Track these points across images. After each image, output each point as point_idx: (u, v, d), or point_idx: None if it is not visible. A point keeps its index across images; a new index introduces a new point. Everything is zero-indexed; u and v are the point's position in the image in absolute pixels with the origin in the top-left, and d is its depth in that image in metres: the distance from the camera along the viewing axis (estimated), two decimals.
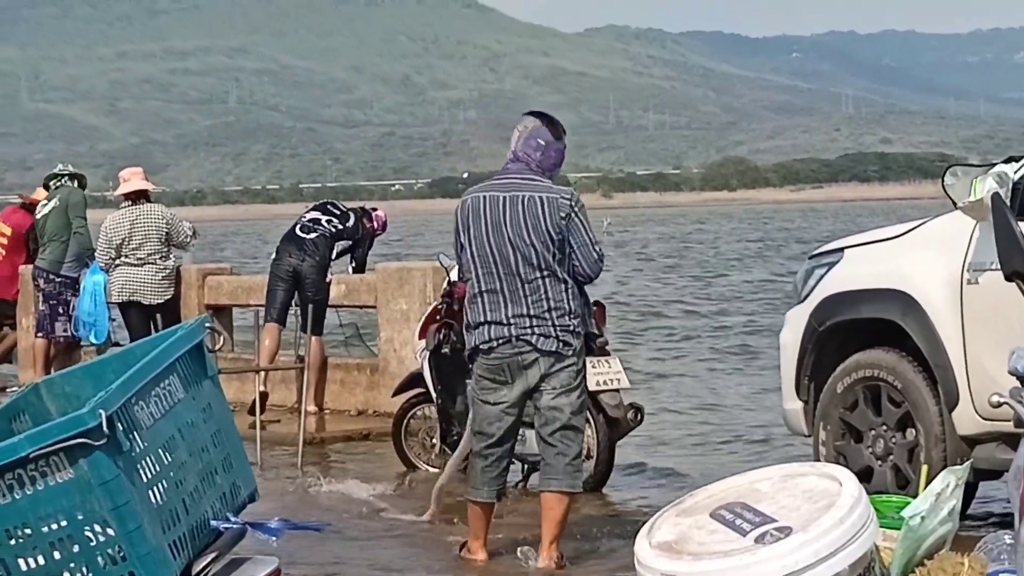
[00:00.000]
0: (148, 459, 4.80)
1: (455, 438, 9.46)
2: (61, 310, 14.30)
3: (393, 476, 10.05)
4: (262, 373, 12.04)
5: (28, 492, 4.64)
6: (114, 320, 13.93)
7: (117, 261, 13.30)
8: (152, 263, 13.28)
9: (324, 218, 12.64)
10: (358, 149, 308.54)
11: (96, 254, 13.62)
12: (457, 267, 9.04)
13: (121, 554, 4.66)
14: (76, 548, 4.68)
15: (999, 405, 7.24)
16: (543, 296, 7.22)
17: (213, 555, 5.01)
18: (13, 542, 4.69)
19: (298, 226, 12.59)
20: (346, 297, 12.78)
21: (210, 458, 5.13)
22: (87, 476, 4.61)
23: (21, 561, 4.69)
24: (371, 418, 12.33)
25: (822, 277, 8.29)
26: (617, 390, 9.28)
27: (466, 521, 7.69)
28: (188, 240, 13.66)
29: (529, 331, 7.22)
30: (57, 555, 4.68)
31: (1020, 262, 6.91)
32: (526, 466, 9.35)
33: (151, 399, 4.90)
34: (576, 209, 7.26)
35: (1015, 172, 7.48)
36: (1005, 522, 7.95)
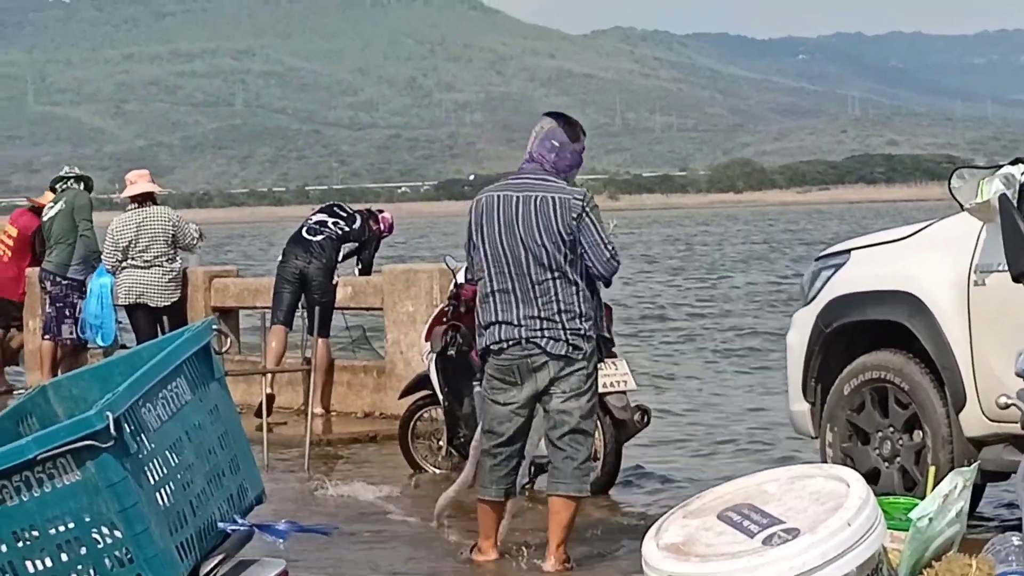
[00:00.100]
0: (155, 461, 4.80)
1: (462, 440, 9.47)
2: (68, 312, 14.31)
3: (400, 478, 10.05)
4: (269, 375, 12.06)
5: (35, 494, 4.64)
6: (121, 322, 13.94)
7: (124, 263, 13.32)
8: (158, 265, 13.30)
9: (330, 220, 12.64)
10: (364, 151, 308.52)
11: (103, 257, 13.64)
12: (464, 268, 9.04)
13: (128, 556, 4.66)
14: (83, 550, 4.67)
15: (1007, 407, 7.25)
16: (553, 298, 7.21)
17: (220, 557, 5.01)
18: (21, 544, 4.69)
19: (304, 228, 12.59)
20: (353, 299, 12.78)
21: (217, 460, 5.13)
22: (94, 478, 4.61)
23: (29, 563, 4.69)
24: (378, 420, 12.33)
25: (829, 279, 8.28)
26: (624, 392, 9.27)
27: (474, 521, 7.70)
28: (194, 242, 13.68)
29: (539, 333, 7.21)
30: (64, 557, 4.68)
31: None
32: (533, 468, 9.34)
33: (158, 401, 4.90)
34: (588, 209, 7.24)
35: (1022, 174, 7.47)
36: (1013, 524, 7.95)
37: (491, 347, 7.34)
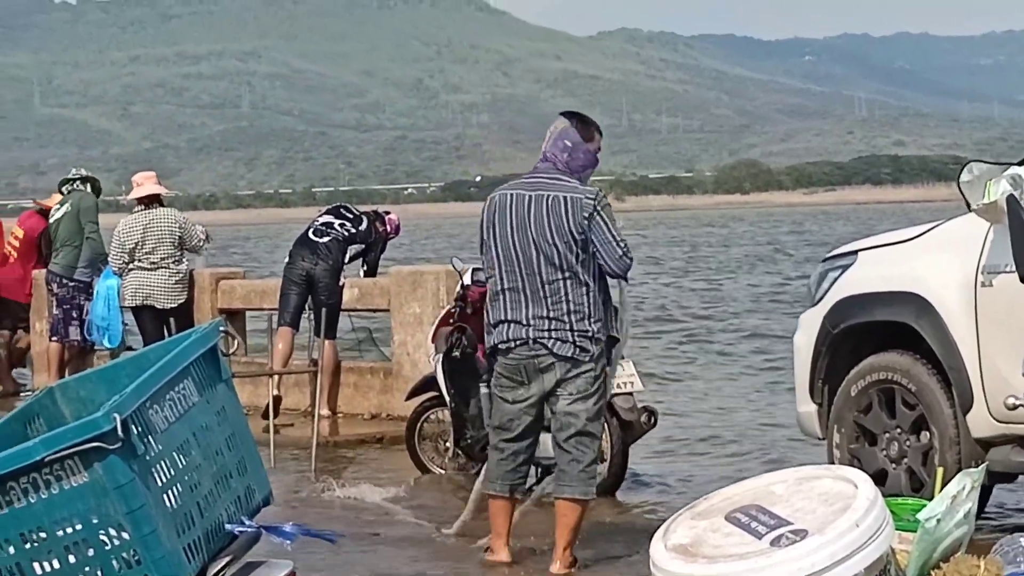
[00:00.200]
0: (163, 463, 4.79)
1: (468, 441, 9.46)
2: (75, 314, 14.33)
3: (406, 480, 10.04)
4: (276, 377, 12.06)
5: (43, 496, 4.64)
6: (127, 324, 13.95)
7: (130, 265, 13.33)
8: (165, 267, 13.30)
9: (337, 222, 12.65)
10: (371, 153, 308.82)
11: (109, 258, 13.65)
12: (472, 269, 9.03)
13: (136, 558, 4.66)
14: (91, 552, 4.67)
15: (1014, 407, 7.25)
16: (563, 298, 7.20)
17: (228, 558, 5.01)
18: (28, 546, 4.68)
19: (311, 230, 12.60)
20: (359, 301, 12.78)
21: (224, 461, 5.13)
22: (102, 480, 4.61)
23: (36, 565, 4.69)
24: (384, 422, 12.33)
25: (836, 280, 8.27)
26: (631, 393, 9.27)
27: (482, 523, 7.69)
28: (201, 244, 13.68)
29: (546, 334, 7.20)
30: (72, 559, 4.68)
31: None
32: (539, 469, 9.33)
33: (165, 403, 4.89)
34: (600, 208, 7.23)
35: None
36: (1021, 525, 7.95)
37: (499, 346, 7.33)
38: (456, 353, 9.34)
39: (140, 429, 4.71)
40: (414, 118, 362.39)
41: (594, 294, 7.25)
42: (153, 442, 4.78)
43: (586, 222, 7.18)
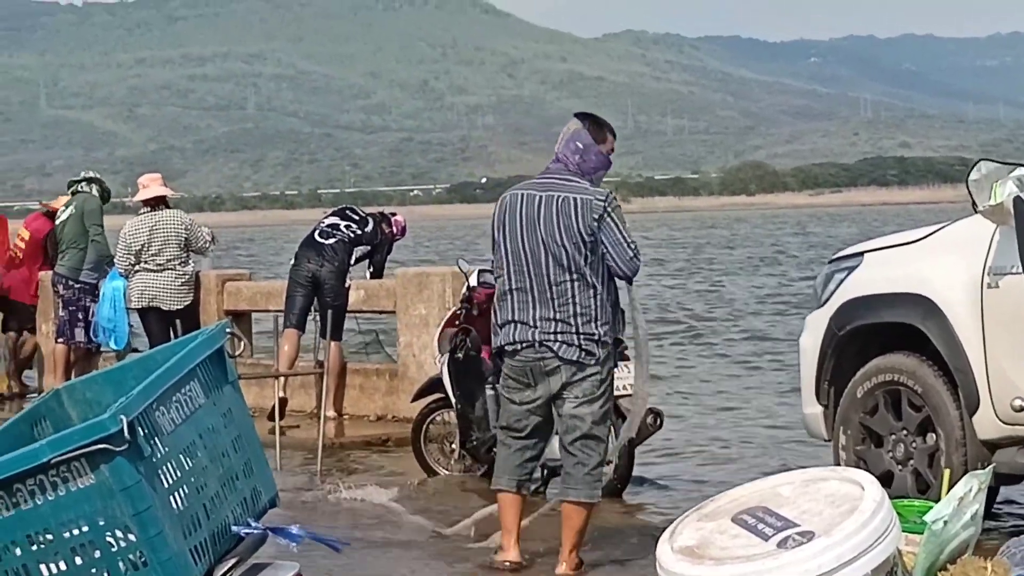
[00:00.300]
0: (169, 464, 4.80)
1: (474, 443, 9.47)
2: (81, 316, 14.34)
3: (412, 481, 10.04)
4: (281, 378, 12.06)
5: (50, 498, 4.64)
6: (133, 326, 13.95)
7: (136, 267, 13.33)
8: (171, 269, 13.30)
9: (343, 223, 12.65)
10: (376, 155, 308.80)
11: (115, 260, 13.65)
12: (479, 270, 9.02)
13: (142, 559, 4.66)
14: (97, 553, 4.68)
15: (1020, 409, 7.24)
16: (570, 300, 7.19)
17: (234, 560, 5.01)
18: (35, 548, 4.69)
19: (317, 232, 12.60)
20: (365, 302, 12.78)
21: (231, 463, 5.13)
22: (108, 482, 4.61)
23: (43, 567, 4.70)
24: (390, 423, 12.33)
25: (842, 281, 8.27)
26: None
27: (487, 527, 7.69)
28: (207, 246, 13.68)
29: (552, 337, 7.19)
30: (79, 560, 4.68)
31: None
32: (545, 471, 9.33)
33: (172, 404, 4.90)
34: (610, 210, 7.22)
35: None
36: None
37: (506, 347, 7.33)
38: (459, 355, 9.34)
39: (147, 431, 4.71)
40: (420, 120, 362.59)
41: (601, 297, 7.23)
42: (159, 444, 4.78)
43: (596, 224, 7.17)
